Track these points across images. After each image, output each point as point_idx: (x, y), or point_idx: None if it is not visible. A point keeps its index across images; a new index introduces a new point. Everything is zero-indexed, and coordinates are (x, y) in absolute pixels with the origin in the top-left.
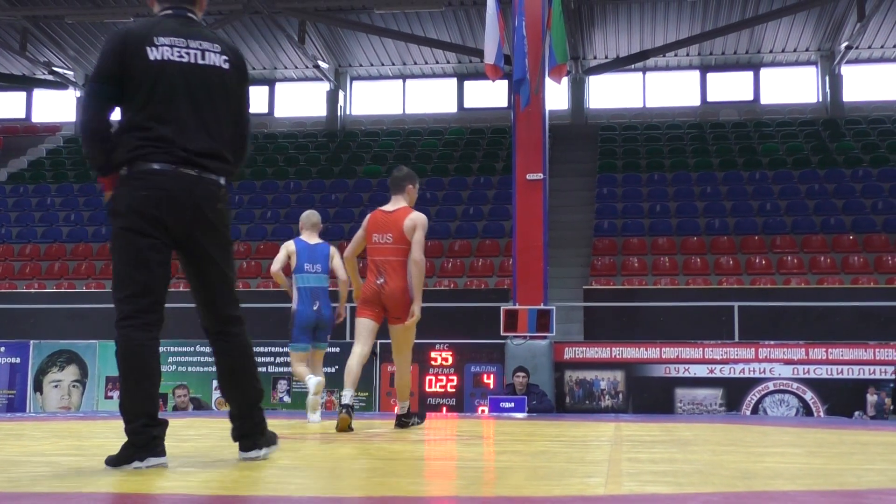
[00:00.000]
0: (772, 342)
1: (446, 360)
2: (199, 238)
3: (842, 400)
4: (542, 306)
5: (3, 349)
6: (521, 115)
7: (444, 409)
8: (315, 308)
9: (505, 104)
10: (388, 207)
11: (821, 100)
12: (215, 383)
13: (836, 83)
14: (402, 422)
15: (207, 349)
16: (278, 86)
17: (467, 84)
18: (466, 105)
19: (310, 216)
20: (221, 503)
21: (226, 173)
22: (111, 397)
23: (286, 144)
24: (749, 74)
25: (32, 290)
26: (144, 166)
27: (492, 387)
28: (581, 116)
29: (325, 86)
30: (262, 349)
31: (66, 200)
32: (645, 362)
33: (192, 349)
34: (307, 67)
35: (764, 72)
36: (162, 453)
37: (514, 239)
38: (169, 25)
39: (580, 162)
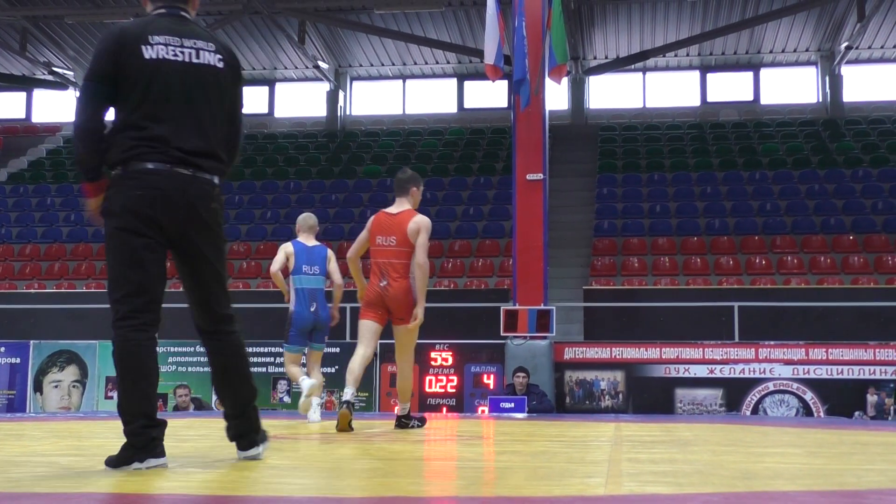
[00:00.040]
0: (772, 342)
1: (446, 360)
2: (193, 237)
3: (842, 400)
4: (542, 306)
5: (3, 349)
6: (521, 116)
7: (444, 409)
8: (312, 309)
9: (505, 104)
10: (391, 209)
11: (821, 100)
12: None
13: (836, 83)
14: (402, 422)
15: None
16: (278, 86)
17: (467, 84)
18: (466, 105)
19: (306, 219)
20: (221, 503)
21: (220, 173)
22: (111, 398)
23: (286, 145)
24: (749, 75)
25: (32, 291)
26: (139, 166)
27: (492, 387)
28: (581, 117)
29: (325, 86)
30: (262, 349)
31: (66, 200)
32: (645, 362)
33: (193, 349)
34: (307, 68)
35: (764, 72)
36: (161, 454)
37: (514, 239)
38: (163, 24)
39: (580, 162)
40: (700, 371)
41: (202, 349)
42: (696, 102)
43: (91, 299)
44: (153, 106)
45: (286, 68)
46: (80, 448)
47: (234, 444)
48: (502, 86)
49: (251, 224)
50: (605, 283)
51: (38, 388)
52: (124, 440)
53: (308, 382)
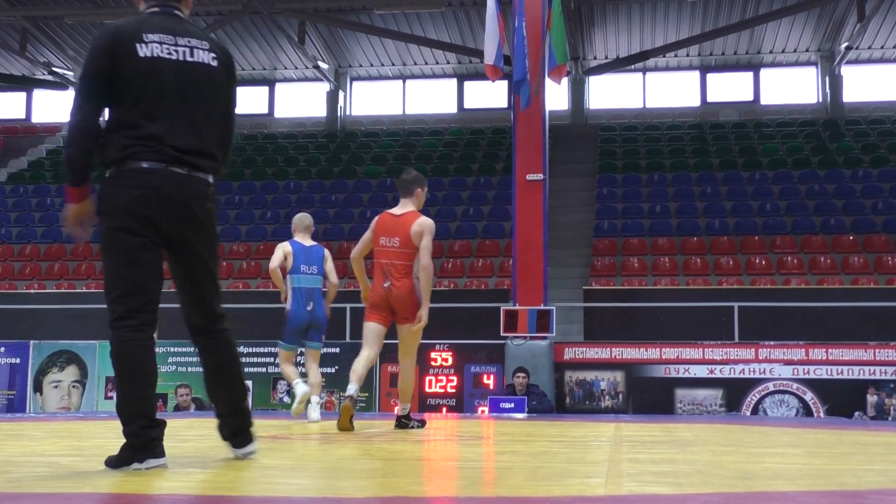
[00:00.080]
0: (772, 343)
1: (446, 360)
2: (188, 237)
3: (842, 400)
4: (542, 307)
5: (3, 349)
6: (521, 116)
7: (444, 409)
8: (309, 308)
9: (505, 105)
10: (396, 211)
11: (821, 100)
12: None
13: (836, 83)
14: (402, 423)
15: None
16: (278, 86)
17: (467, 84)
18: (466, 105)
19: (302, 219)
20: (221, 503)
21: (214, 171)
22: (111, 398)
23: (286, 145)
24: (749, 75)
25: (32, 291)
26: (134, 165)
27: (492, 387)
28: (581, 117)
29: (325, 86)
30: (261, 349)
31: (66, 201)
32: (645, 363)
33: (193, 349)
34: (307, 68)
35: (764, 72)
36: (161, 454)
37: (514, 239)
38: (157, 23)
39: (580, 162)
40: (700, 371)
41: None
42: (696, 102)
43: (91, 299)
44: (148, 104)
45: (286, 68)
46: (80, 448)
47: (227, 442)
48: (502, 86)
49: (251, 224)
50: (605, 283)
51: (38, 388)
52: (124, 440)
53: (301, 389)
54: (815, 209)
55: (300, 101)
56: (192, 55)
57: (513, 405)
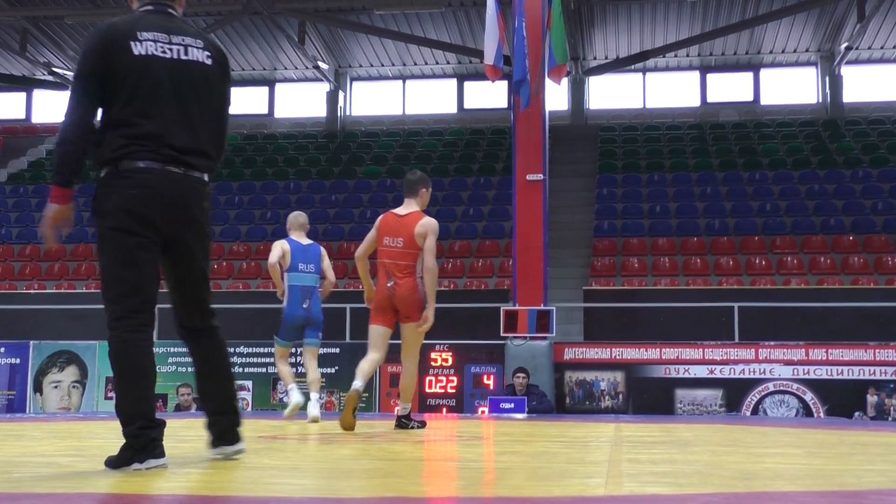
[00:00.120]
0: (772, 343)
1: (446, 360)
2: (185, 236)
3: (842, 401)
4: (541, 307)
5: (2, 350)
6: (521, 116)
7: (444, 409)
8: (305, 306)
9: (505, 105)
10: (399, 211)
11: (821, 100)
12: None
13: (835, 84)
14: (402, 423)
15: None
16: (278, 86)
17: (467, 85)
18: (466, 106)
19: (297, 217)
20: (221, 503)
21: (209, 170)
22: (111, 398)
23: (286, 145)
24: (749, 75)
25: (32, 291)
26: (131, 164)
27: (492, 387)
28: (581, 117)
29: (324, 86)
30: (261, 349)
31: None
32: (645, 363)
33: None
34: (307, 68)
35: (764, 72)
36: (161, 455)
37: (514, 239)
38: (151, 21)
39: (580, 162)
40: (700, 371)
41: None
42: (696, 103)
43: (91, 300)
44: (143, 103)
45: (286, 69)
46: (80, 449)
47: (215, 441)
48: (502, 86)
49: (251, 224)
50: (605, 283)
51: (38, 388)
52: (124, 441)
53: (295, 398)
54: (815, 209)
55: (300, 101)
56: (186, 53)
57: (513, 405)
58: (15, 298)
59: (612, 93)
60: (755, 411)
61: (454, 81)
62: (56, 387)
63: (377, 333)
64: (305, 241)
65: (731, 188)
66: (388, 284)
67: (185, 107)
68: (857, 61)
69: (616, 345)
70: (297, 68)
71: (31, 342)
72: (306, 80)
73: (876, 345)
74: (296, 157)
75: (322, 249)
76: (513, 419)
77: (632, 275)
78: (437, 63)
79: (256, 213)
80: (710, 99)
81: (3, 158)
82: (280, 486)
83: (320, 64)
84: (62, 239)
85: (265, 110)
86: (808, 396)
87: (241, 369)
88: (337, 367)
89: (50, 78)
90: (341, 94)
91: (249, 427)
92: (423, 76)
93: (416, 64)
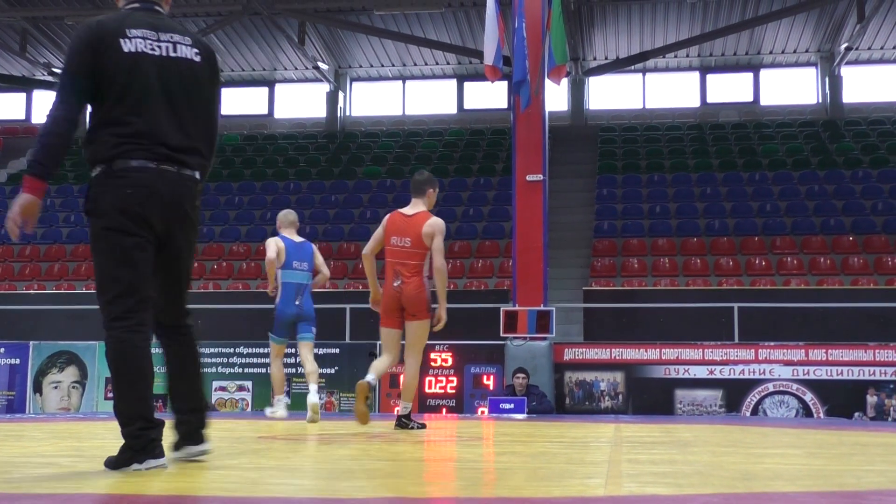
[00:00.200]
0: (772, 343)
1: (446, 361)
2: (177, 235)
3: (842, 401)
4: (541, 307)
5: (2, 350)
6: (520, 117)
7: (444, 410)
8: (297, 303)
9: (505, 105)
10: (407, 210)
11: (820, 101)
12: (216, 384)
13: (835, 84)
14: (403, 422)
15: (209, 349)
16: (278, 87)
17: (467, 85)
18: (466, 106)
19: (287, 214)
20: None
21: (202, 168)
22: (111, 398)
23: (286, 145)
24: (749, 75)
25: (32, 292)
26: (124, 164)
27: (491, 388)
28: (581, 117)
29: (324, 87)
30: (261, 350)
31: (66, 201)
32: (645, 363)
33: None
34: (307, 69)
35: (764, 73)
36: (161, 455)
37: (513, 240)
38: (139, 18)
39: (580, 163)
40: (700, 372)
41: (203, 350)
42: (696, 103)
43: (91, 300)
44: (133, 101)
45: (286, 69)
46: (80, 449)
47: (181, 441)
48: (502, 87)
49: (251, 225)
50: (605, 283)
51: (38, 388)
52: (123, 441)
53: (280, 414)
54: (815, 210)
55: (300, 101)
56: (175, 51)
57: (512, 406)
58: (15, 299)
59: (611, 93)
60: (755, 412)
61: (454, 82)
62: (56, 387)
63: (389, 336)
64: (297, 238)
65: (730, 188)
66: (395, 284)
67: (175, 104)
68: (856, 62)
69: (616, 345)
70: (296, 69)
71: (31, 342)
72: (306, 80)
73: (876, 345)
74: (296, 157)
75: (314, 247)
76: (513, 419)
77: (632, 275)
78: (437, 63)
79: (256, 214)
80: (709, 99)
81: (3, 158)
82: (280, 486)
83: (320, 64)
84: (27, 234)
85: (265, 111)
86: (808, 397)
87: (241, 369)
88: (337, 368)
89: (50, 78)
90: (341, 95)
91: (249, 427)
92: (423, 77)
93: (415, 64)
